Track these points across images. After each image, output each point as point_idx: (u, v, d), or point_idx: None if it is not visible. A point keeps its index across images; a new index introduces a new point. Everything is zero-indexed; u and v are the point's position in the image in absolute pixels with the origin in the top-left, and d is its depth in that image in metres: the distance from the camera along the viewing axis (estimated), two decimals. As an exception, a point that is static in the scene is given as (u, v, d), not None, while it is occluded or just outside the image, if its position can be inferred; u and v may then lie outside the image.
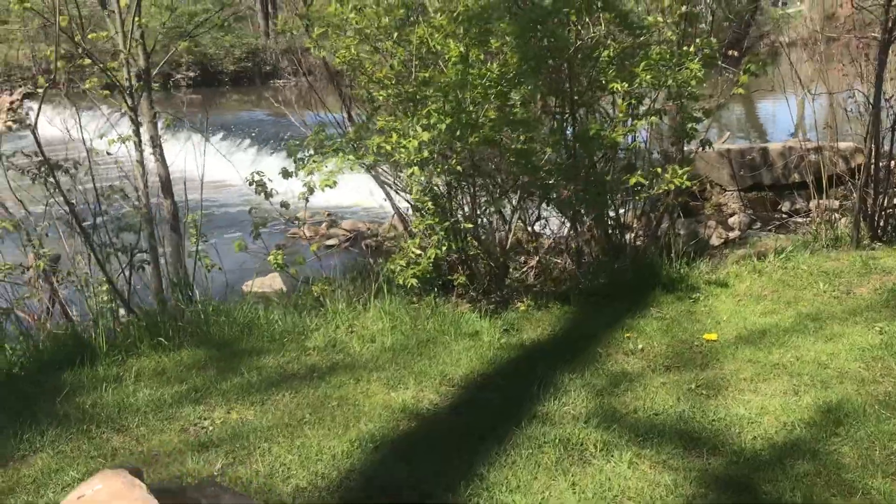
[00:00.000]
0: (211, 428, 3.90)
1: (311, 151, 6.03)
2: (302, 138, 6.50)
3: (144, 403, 4.14)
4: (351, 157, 5.50)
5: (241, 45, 25.26)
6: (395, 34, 5.44)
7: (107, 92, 7.28)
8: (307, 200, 6.00)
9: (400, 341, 4.92)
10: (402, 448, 3.62)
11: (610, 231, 6.50)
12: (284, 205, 6.75)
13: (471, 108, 5.11)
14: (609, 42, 5.72)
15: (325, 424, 3.86)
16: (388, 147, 5.04)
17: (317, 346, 4.90)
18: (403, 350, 4.78)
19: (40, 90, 5.43)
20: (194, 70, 25.12)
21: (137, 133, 7.06)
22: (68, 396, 4.21)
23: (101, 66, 6.85)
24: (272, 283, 8.67)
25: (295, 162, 5.97)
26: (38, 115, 4.87)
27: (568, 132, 5.90)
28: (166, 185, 7.45)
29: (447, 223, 5.47)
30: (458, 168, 5.33)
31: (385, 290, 5.74)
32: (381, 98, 5.41)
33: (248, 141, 16.20)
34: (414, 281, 5.31)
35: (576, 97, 5.77)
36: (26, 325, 5.90)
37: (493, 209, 6.00)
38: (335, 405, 4.07)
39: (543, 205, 6.30)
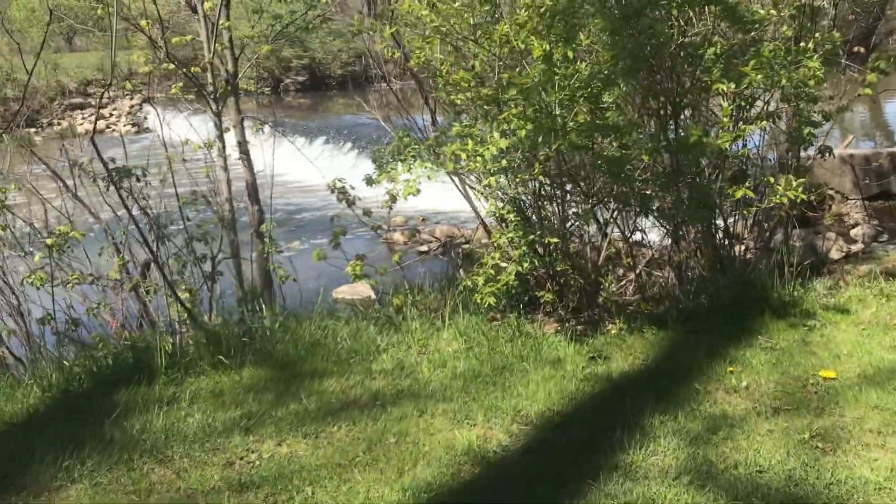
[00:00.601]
0: (258, 463, 3.53)
1: (391, 159, 5.66)
2: (385, 145, 6.16)
3: (194, 430, 3.81)
4: (428, 164, 5.09)
5: (348, 49, 25.32)
6: (478, 33, 4.98)
7: (191, 96, 7.12)
8: (391, 208, 5.65)
9: (473, 367, 4.45)
10: (460, 501, 3.15)
11: (718, 241, 5.85)
12: (367, 213, 6.41)
13: (556, 112, 4.59)
14: (715, 38, 5.08)
15: (377, 466, 3.42)
16: (464, 155, 4.58)
17: (384, 370, 4.48)
18: (476, 378, 4.31)
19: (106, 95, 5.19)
20: (303, 75, 25.35)
21: (221, 138, 6.85)
22: (118, 418, 3.94)
23: (184, 70, 6.67)
24: (362, 290, 8.38)
25: (377, 168, 5.61)
26: (95, 122, 4.64)
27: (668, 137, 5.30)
28: (252, 190, 7.23)
29: (531, 236, 4.97)
30: (542, 178, 4.82)
31: (461, 308, 5.29)
32: (458, 102, 4.95)
33: (349, 145, 16.07)
34: (492, 300, 4.83)
35: (677, 99, 5.16)
36: (110, 330, 5.77)
37: (582, 222, 5.45)
38: (393, 442, 3.64)
39: (641, 216, 5.71)
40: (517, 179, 4.75)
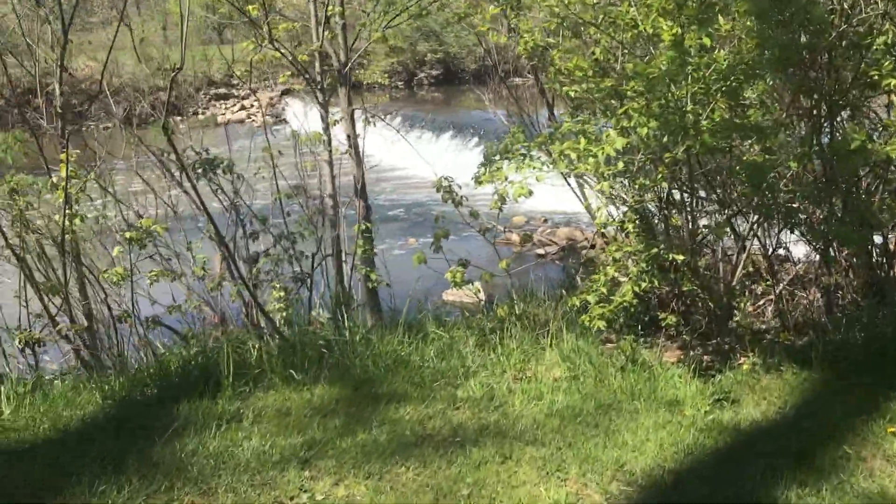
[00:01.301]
0: (308, 506, 3.02)
1: (498, 157, 5.06)
2: (498, 140, 5.58)
3: (247, 458, 3.33)
4: (537, 164, 4.45)
5: (482, 43, 24.81)
6: (600, 16, 4.28)
7: (298, 86, 6.75)
8: (500, 210, 5.08)
9: (574, 403, 3.78)
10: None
11: (875, 261, 4.93)
12: (474, 214, 5.85)
13: (687, 108, 3.84)
14: (886, 26, 4.18)
15: (442, 526, 2.84)
16: (574, 154, 3.91)
17: (470, 398, 3.88)
18: (575, 417, 3.64)
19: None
20: (437, 69, 25.04)
21: (327, 130, 6.44)
22: (172, 436, 3.51)
23: (290, 58, 6.27)
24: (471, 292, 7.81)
25: (482, 166, 5.02)
26: (166, 110, 4.23)
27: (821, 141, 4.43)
28: (360, 186, 6.80)
29: (654, 250, 4.24)
30: (665, 184, 4.09)
31: (571, 324, 4.63)
32: (572, 94, 4.27)
33: (475, 140, 15.53)
34: (602, 324, 4.14)
35: (835, 97, 4.29)
36: (210, 323, 5.46)
37: (714, 236, 4.66)
38: (465, 495, 3.03)
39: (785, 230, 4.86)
40: (637, 184, 4.03)
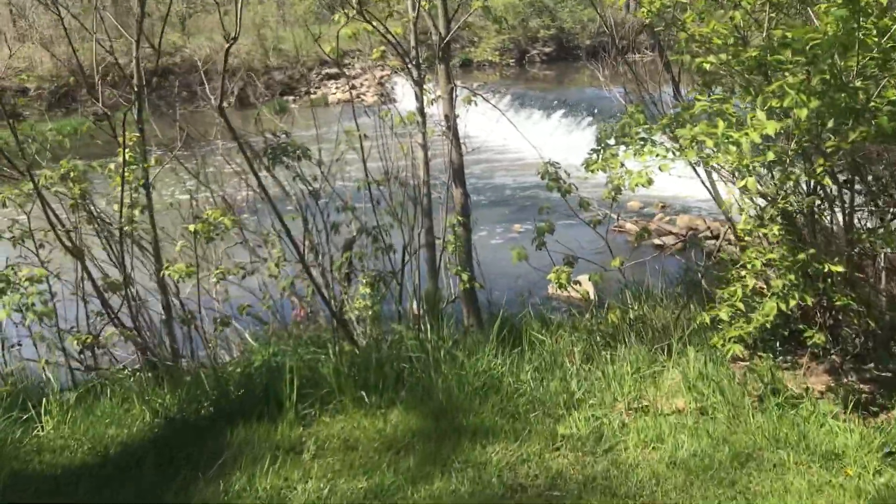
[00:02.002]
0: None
1: (612, 141, 4.30)
2: (613, 120, 4.86)
3: (300, 506, 2.76)
4: (661, 150, 3.67)
5: (599, 18, 23.66)
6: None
7: (395, 62, 6.14)
8: (614, 200, 4.37)
9: (703, 450, 3.02)
10: None
11: None
12: (584, 204, 5.13)
13: (858, 84, 2.98)
14: None
15: None
16: (709, 141, 3.11)
17: (573, 436, 3.17)
18: (705, 471, 2.88)
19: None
20: (550, 45, 24.04)
21: (422, 111, 5.81)
22: (220, 470, 2.98)
23: (381, 30, 5.65)
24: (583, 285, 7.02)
25: (595, 152, 4.29)
26: (221, 93, 3.65)
27: None
28: (458, 171, 6.14)
29: (803, 256, 3.41)
30: (828, 180, 3.24)
31: (696, 334, 3.87)
32: (708, 66, 3.44)
33: (588, 119, 14.61)
34: (738, 348, 3.35)
35: None
36: (296, 318, 4.97)
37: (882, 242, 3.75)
38: (562, 581, 2.35)
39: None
40: (790, 179, 3.19)
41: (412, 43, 5.75)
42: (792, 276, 3.38)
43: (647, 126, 4.03)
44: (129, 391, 3.56)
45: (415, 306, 5.08)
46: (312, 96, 23.23)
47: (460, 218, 5.83)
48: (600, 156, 3.85)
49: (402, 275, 4.95)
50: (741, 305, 3.48)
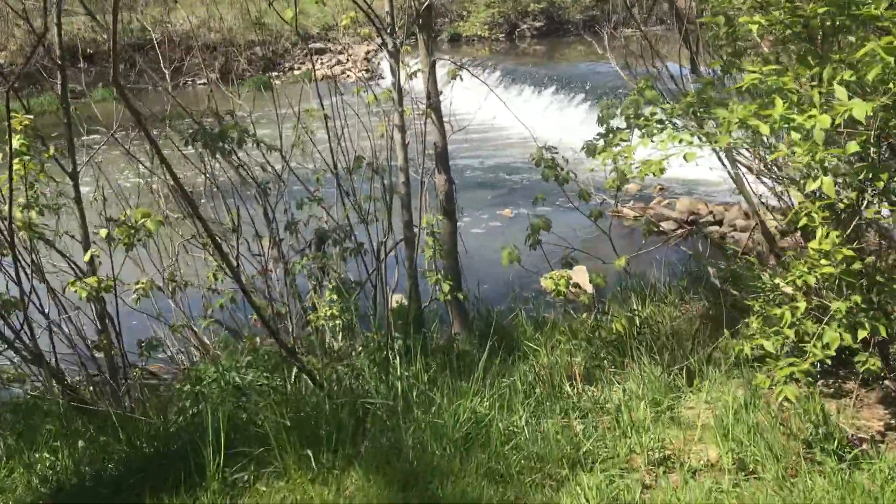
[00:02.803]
0: None
1: (622, 123, 3.53)
2: (618, 98, 4.10)
3: None
4: (686, 136, 2.89)
5: (589, -9, 22.71)
6: None
7: (366, 30, 5.35)
8: (619, 189, 3.63)
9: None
10: None
11: None
12: (584, 196, 4.41)
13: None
14: None
15: None
16: (764, 127, 2.31)
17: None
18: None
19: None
20: (540, 20, 23.08)
21: (399, 87, 5.00)
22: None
23: (350, -7, 4.82)
24: (578, 278, 6.27)
25: (604, 137, 3.51)
26: (114, 67, 2.81)
27: None
28: (441, 155, 5.33)
29: (877, 276, 2.63)
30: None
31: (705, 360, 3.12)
32: (754, 30, 2.62)
33: (581, 96, 13.75)
34: (791, 391, 2.57)
35: None
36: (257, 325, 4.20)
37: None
38: None
39: None
40: (882, 178, 2.38)
41: (387, 7, 4.92)
42: (858, 298, 2.61)
43: (666, 105, 3.24)
44: (12, 449, 2.75)
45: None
46: (297, 72, 22.25)
47: (445, 207, 5.05)
48: (608, 141, 3.05)
49: (381, 276, 4.18)
50: (790, 333, 2.71)
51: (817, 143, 2.10)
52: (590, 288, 6.77)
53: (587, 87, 13.84)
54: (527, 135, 5.57)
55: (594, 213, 4.20)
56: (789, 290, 2.80)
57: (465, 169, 10.92)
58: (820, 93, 2.18)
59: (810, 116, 2.18)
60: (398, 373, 2.97)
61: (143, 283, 3.21)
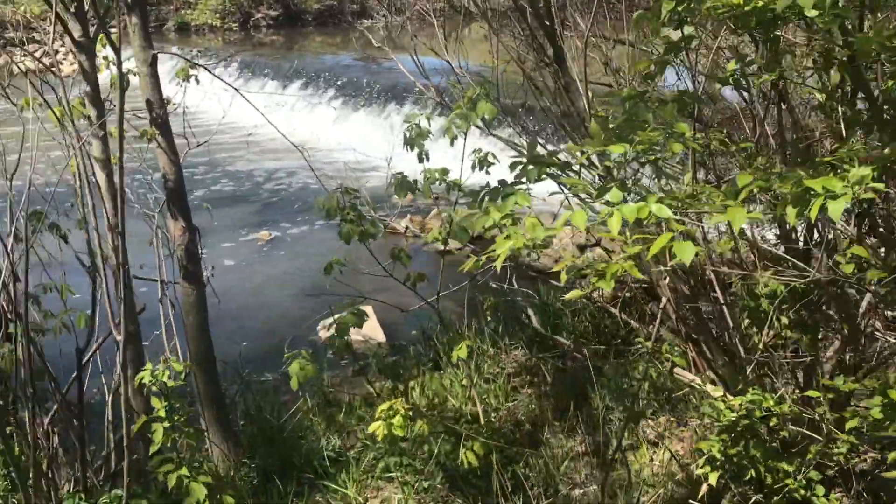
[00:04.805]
0: None
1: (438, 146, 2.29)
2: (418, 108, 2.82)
3: None
4: (664, 210, 1.67)
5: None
6: None
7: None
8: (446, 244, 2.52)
9: None
10: None
11: None
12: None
13: None
14: None
15: None
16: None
17: None
18: None
19: None
20: (276, 9, 21.31)
21: (95, 97, 3.47)
22: None
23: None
24: (368, 325, 4.72)
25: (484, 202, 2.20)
26: None
27: None
28: (175, 191, 3.80)
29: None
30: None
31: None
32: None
33: (331, 91, 12.38)
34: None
35: None
36: None
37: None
38: None
39: None
40: None
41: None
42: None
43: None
44: None
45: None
46: (-8, 66, 18.61)
47: (187, 267, 3.58)
48: (489, 208, 1.78)
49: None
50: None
51: None
52: (381, 335, 5.50)
53: (338, 84, 12.48)
54: (276, 136, 4.28)
55: (414, 278, 2.94)
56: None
57: (210, 183, 9.11)
58: None
59: None
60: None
61: None
